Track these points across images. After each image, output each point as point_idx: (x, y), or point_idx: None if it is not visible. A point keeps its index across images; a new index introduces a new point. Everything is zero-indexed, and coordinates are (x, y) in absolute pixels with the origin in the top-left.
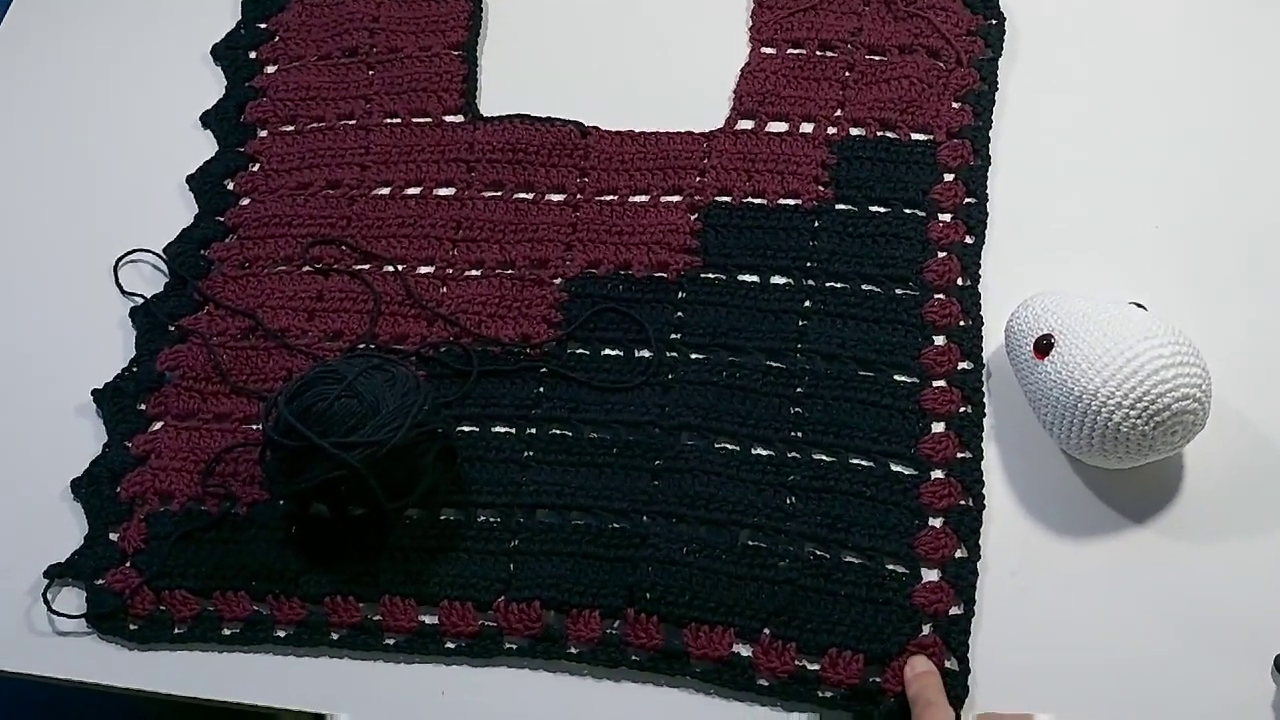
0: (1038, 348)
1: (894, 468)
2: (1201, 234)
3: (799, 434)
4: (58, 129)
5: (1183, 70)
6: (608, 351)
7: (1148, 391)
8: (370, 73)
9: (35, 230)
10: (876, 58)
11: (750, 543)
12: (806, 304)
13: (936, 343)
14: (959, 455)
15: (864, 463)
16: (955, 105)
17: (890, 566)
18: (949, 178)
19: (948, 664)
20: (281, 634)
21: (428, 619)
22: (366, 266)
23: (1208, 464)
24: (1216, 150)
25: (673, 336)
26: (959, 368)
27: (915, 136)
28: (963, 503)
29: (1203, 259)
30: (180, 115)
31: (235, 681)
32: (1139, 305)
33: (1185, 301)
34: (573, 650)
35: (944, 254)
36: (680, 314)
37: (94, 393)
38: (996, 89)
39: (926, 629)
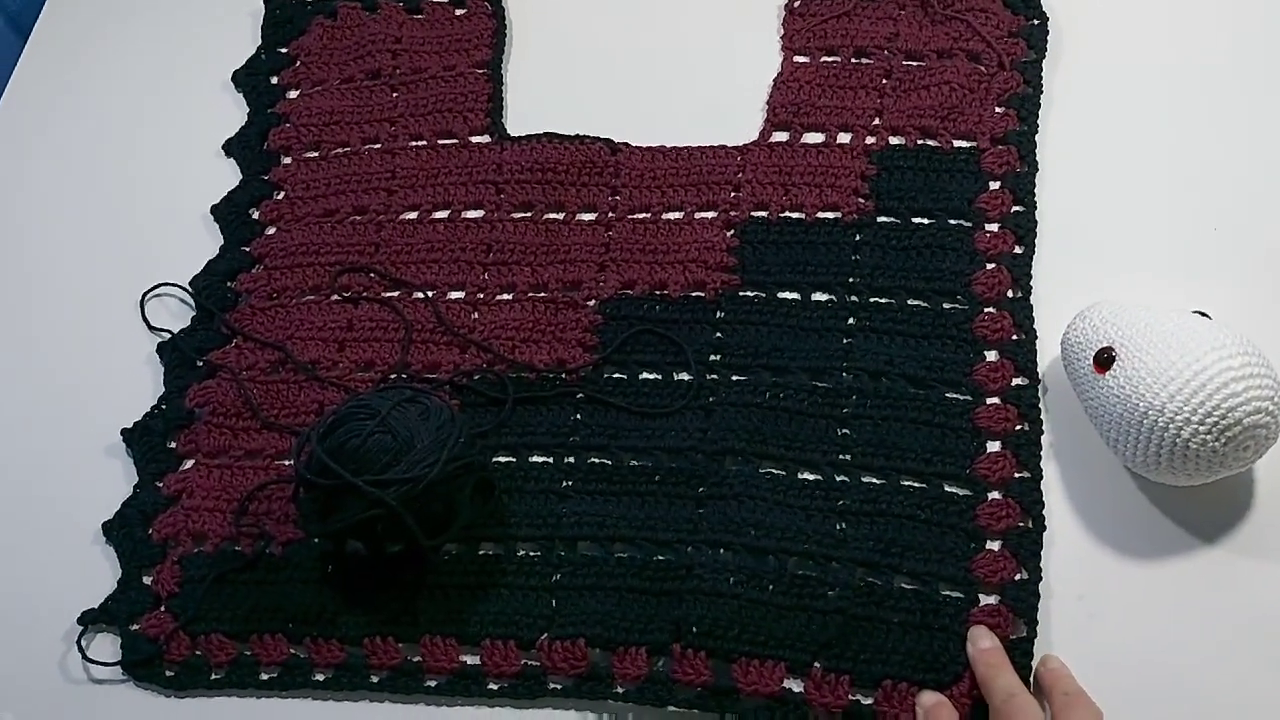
0: (1098, 361)
1: (948, 489)
2: (1264, 235)
3: (848, 456)
4: (78, 162)
5: (1235, 64)
6: (646, 375)
7: (1217, 406)
8: (394, 95)
9: (59, 266)
10: (914, 63)
11: (799, 572)
12: (850, 321)
13: (988, 358)
14: (1016, 475)
15: (916, 484)
16: (999, 110)
17: (946, 592)
18: (995, 186)
19: None
20: (320, 677)
21: (469, 659)
22: (396, 293)
23: None
24: (1276, 147)
25: (712, 358)
26: (1013, 383)
27: (958, 144)
28: (1022, 524)
29: (1266, 262)
30: (202, 144)
31: None
32: (1203, 314)
33: (1251, 308)
34: (619, 690)
35: (992, 265)
36: (719, 334)
37: (123, 432)
38: (1041, 91)
39: None
